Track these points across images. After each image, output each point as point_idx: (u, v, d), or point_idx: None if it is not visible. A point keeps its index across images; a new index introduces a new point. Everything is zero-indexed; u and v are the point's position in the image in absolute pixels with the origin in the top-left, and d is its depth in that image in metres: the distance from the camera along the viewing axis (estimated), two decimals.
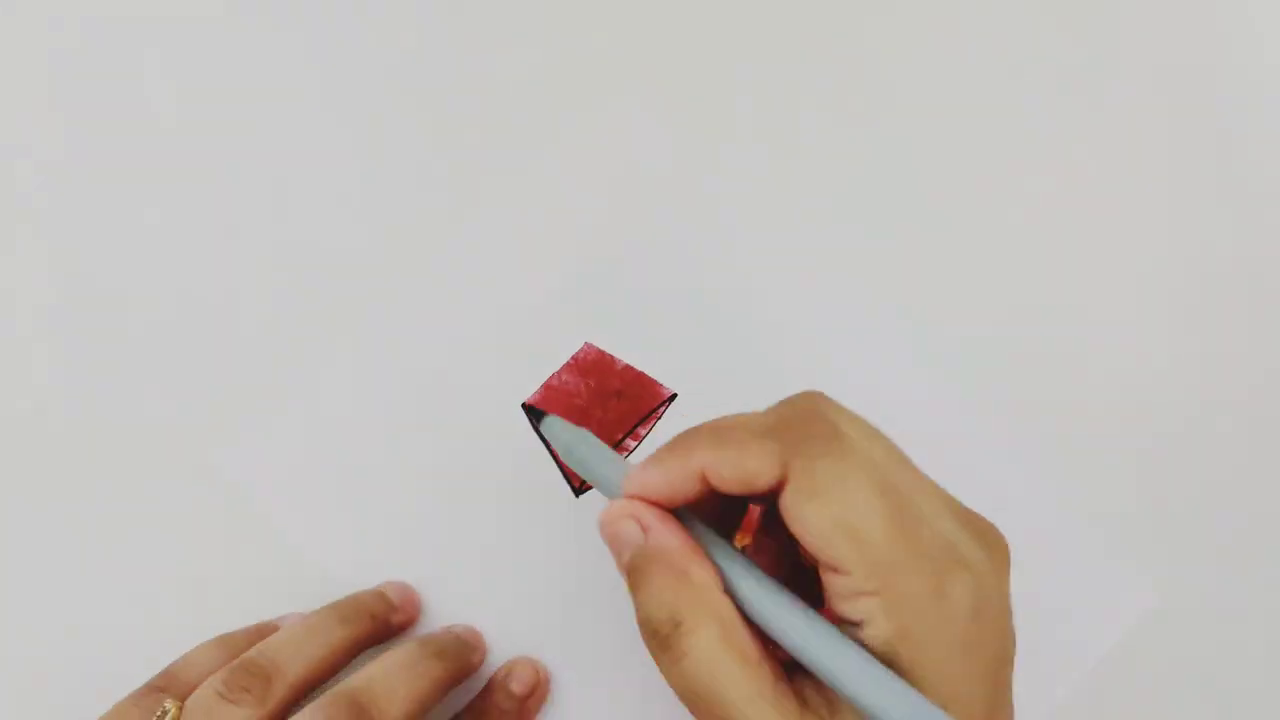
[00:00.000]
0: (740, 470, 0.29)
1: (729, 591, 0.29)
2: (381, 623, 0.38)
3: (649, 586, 0.29)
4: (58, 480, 0.41)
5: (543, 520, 0.40)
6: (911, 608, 0.27)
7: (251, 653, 0.35)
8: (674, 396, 0.41)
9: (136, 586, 0.40)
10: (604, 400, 0.40)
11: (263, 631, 0.38)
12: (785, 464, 0.28)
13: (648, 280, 0.42)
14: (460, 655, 0.38)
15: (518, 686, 0.38)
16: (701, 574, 0.29)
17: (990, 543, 0.30)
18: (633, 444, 0.40)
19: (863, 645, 0.27)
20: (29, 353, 0.41)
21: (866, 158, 0.43)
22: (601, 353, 0.41)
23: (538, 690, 0.39)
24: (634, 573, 0.30)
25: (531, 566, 0.40)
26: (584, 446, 0.34)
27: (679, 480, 0.30)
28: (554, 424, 0.37)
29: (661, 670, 0.29)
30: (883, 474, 0.28)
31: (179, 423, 0.41)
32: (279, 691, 0.33)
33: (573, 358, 0.41)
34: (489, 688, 0.39)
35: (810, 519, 0.28)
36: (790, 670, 0.29)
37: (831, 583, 0.28)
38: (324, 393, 0.41)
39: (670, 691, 0.29)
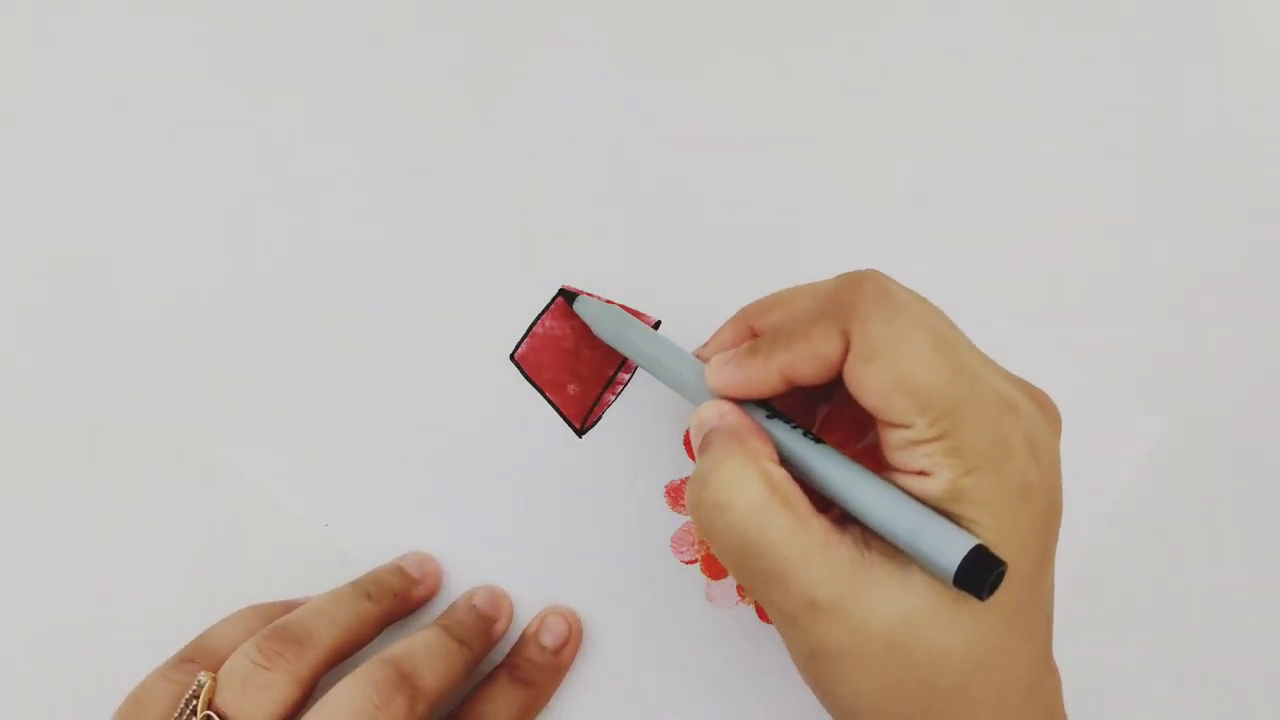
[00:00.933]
0: (815, 360, 0.30)
1: (786, 462, 0.31)
2: (404, 599, 0.38)
3: (707, 452, 0.31)
4: (73, 472, 0.41)
5: (551, 468, 0.41)
6: (973, 450, 0.28)
7: (280, 621, 0.35)
8: (659, 323, 0.41)
9: (156, 573, 0.40)
10: (590, 339, 0.40)
11: (291, 606, 0.38)
12: (845, 333, 0.29)
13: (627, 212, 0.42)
14: (483, 634, 0.38)
15: (549, 639, 0.39)
16: (756, 443, 0.30)
17: (1042, 403, 0.31)
18: (625, 376, 0.41)
19: (927, 495, 0.28)
20: (34, 353, 0.41)
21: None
22: (580, 292, 0.41)
23: (570, 641, 0.39)
24: (700, 449, 0.32)
25: (542, 518, 0.41)
26: (640, 336, 0.37)
27: (759, 382, 0.32)
28: (592, 305, 0.39)
29: (707, 534, 0.30)
30: (936, 330, 0.29)
31: (188, 416, 0.41)
32: (311, 656, 0.34)
33: (553, 302, 0.41)
34: (522, 641, 0.39)
35: (869, 380, 0.29)
36: (851, 526, 0.30)
37: (895, 439, 0.29)
38: (327, 372, 0.41)
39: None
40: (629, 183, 0.42)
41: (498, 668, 0.38)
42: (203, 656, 0.35)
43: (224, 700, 0.32)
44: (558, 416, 0.41)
